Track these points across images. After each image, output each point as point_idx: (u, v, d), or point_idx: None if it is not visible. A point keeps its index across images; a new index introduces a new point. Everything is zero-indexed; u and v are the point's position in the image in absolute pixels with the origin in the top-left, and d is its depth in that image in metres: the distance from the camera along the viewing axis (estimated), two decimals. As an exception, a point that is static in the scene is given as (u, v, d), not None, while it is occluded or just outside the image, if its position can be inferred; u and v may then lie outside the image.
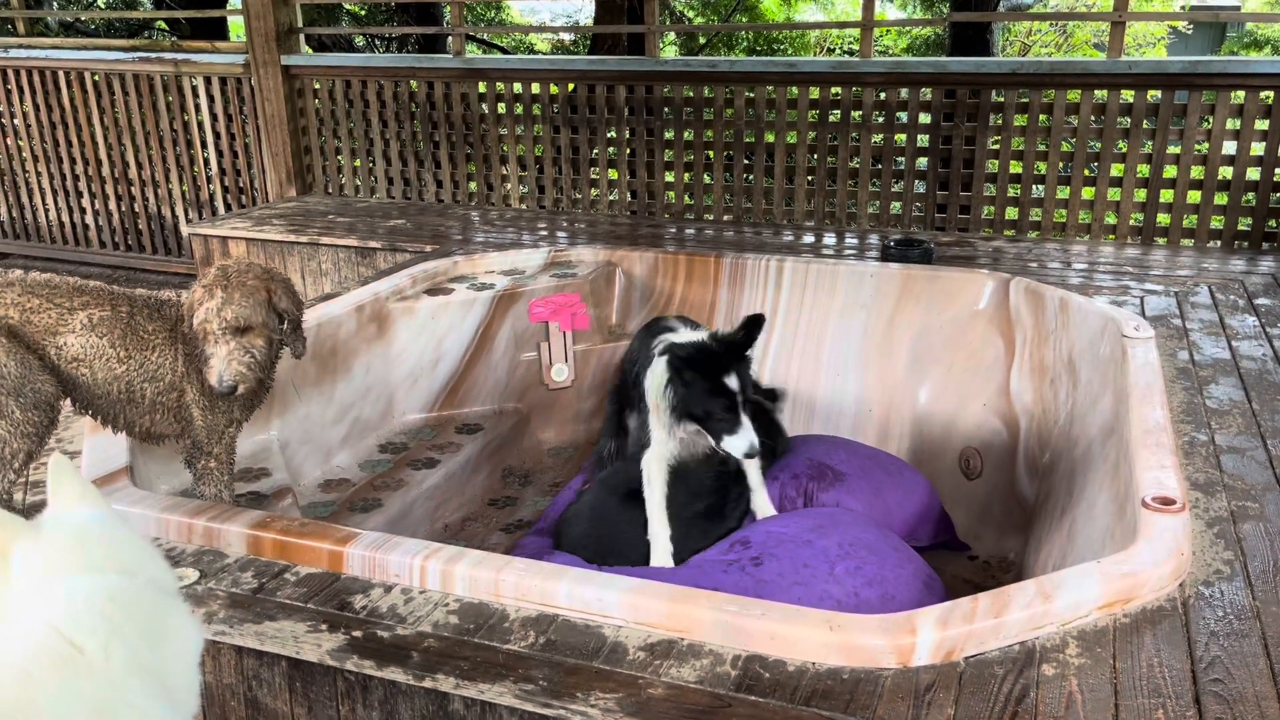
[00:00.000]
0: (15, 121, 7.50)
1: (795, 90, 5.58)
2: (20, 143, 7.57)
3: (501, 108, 6.24)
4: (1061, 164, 5.24)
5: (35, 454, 2.16)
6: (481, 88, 6.21)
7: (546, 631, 2.01)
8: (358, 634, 2.02)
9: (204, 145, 7.00)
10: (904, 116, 5.44)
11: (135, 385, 2.41)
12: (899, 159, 5.52)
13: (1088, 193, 5.25)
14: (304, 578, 2.23)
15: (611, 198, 6.12)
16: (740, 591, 2.50)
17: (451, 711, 1.92)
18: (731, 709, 1.77)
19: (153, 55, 6.94)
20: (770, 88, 5.62)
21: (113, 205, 7.41)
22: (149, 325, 2.42)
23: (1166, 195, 5.12)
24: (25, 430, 2.11)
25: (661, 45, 6.56)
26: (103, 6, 13.93)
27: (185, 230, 5.89)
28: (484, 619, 2.06)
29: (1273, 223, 5.02)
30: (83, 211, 7.55)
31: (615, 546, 3.25)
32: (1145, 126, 5.05)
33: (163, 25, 12.39)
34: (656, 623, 2.00)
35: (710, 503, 3.39)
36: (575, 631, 2.01)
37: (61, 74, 7.18)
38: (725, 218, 5.91)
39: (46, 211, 7.68)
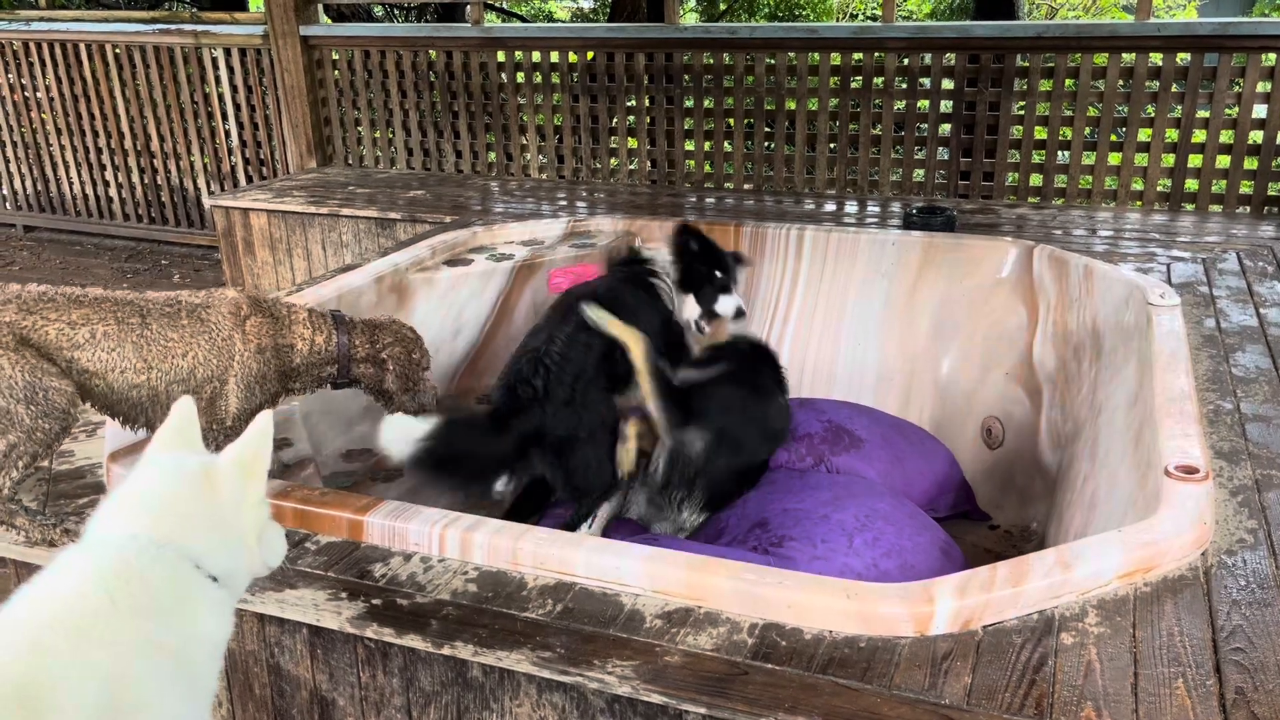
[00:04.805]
0: (38, 95, 7.54)
1: (816, 57, 5.51)
2: (44, 116, 7.61)
3: (520, 77, 6.20)
4: (1088, 129, 5.16)
5: (41, 458, 2.20)
6: (500, 57, 6.18)
7: (564, 599, 2.02)
8: (377, 602, 2.03)
9: (224, 117, 7.02)
10: (927, 82, 5.37)
11: (160, 390, 2.40)
12: (922, 125, 5.45)
13: (1114, 158, 5.17)
14: (324, 546, 2.25)
15: (631, 167, 6.09)
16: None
17: (470, 679, 1.94)
18: (748, 676, 1.77)
19: (172, 27, 6.96)
20: (791, 54, 5.55)
21: (135, 178, 7.45)
22: (171, 334, 2.40)
23: (1195, 160, 5.03)
24: (35, 437, 2.14)
25: (682, 12, 6.48)
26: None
27: (207, 202, 5.91)
28: (502, 587, 2.07)
29: (1304, 188, 4.94)
30: (106, 184, 7.60)
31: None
32: (1174, 90, 4.96)
33: (182, -3, 12.39)
34: (674, 591, 2.01)
35: None
36: (593, 599, 2.02)
37: (83, 46, 7.20)
38: (746, 186, 5.86)
39: (70, 184, 7.73)
